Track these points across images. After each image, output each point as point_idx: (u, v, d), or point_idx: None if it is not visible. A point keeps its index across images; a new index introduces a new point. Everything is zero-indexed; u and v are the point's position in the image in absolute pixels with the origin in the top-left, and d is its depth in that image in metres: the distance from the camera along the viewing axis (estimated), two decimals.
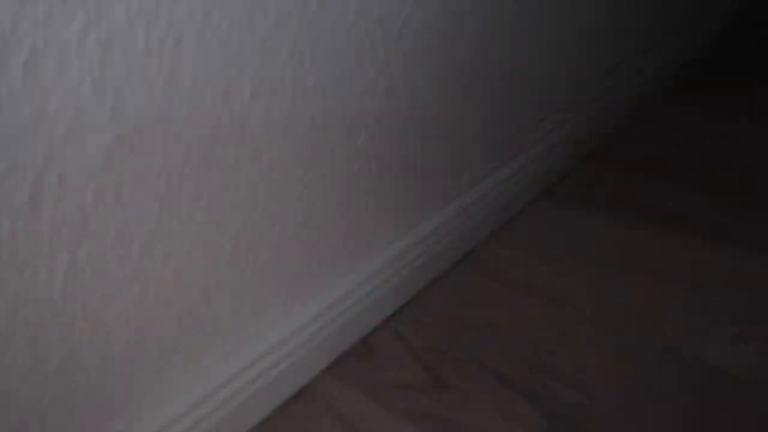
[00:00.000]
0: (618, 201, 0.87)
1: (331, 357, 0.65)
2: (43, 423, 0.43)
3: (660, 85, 1.21)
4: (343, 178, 0.58)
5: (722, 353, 0.61)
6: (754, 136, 1.03)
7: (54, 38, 0.34)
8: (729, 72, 1.31)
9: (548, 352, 0.63)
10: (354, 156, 0.58)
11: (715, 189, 0.87)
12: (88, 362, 0.44)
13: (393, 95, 0.60)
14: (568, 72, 0.90)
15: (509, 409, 0.58)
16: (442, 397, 0.60)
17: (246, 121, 0.47)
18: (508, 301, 0.70)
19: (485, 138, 0.76)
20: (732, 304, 0.66)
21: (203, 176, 0.46)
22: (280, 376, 0.59)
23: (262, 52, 0.46)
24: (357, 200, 0.61)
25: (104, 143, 0.39)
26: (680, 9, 1.21)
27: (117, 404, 0.47)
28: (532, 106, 0.84)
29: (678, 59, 1.26)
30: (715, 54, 1.44)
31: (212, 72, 0.43)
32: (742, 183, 0.88)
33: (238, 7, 0.43)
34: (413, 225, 0.70)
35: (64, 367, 0.42)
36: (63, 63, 0.35)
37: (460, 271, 0.76)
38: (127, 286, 0.44)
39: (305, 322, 0.60)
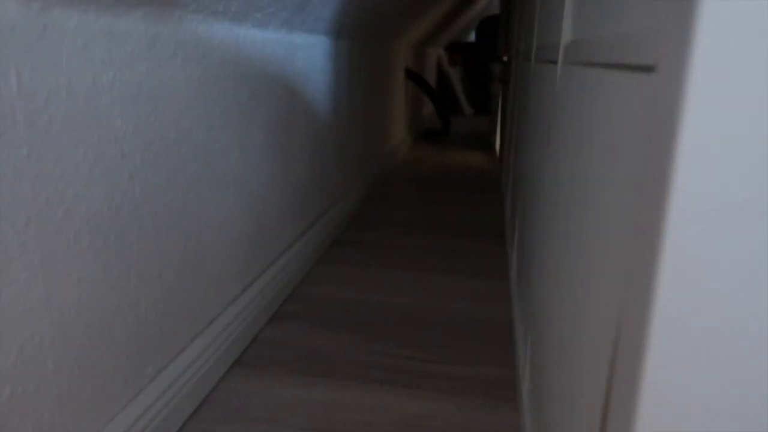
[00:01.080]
0: (306, 360, 0.90)
1: None
2: None
3: (317, 253, 1.35)
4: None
5: None
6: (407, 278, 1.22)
7: None
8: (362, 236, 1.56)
9: None
10: (3, 380, 0.47)
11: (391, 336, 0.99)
12: None
13: (53, 299, 0.51)
14: (243, 253, 0.93)
15: None
16: None
17: None
18: None
19: (165, 322, 0.71)
20: None
21: None
22: None
23: None
24: (10, 429, 0.48)
25: None
26: (327, 193, 1.41)
27: None
28: (214, 282, 0.84)
29: (331, 233, 1.44)
30: (357, 219, 1.69)
31: None
32: (405, 325, 1.02)
33: None
34: None
35: None
36: None
37: None
38: None
39: None
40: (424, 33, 2.86)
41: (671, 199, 0.20)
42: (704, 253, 0.20)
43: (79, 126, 0.53)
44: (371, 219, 1.70)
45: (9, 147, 0.45)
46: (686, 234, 0.20)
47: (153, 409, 0.67)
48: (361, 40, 1.69)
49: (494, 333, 1.01)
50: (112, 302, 0.60)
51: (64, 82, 0.51)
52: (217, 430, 0.73)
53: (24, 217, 0.47)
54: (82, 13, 0.52)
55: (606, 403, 0.31)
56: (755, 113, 0.19)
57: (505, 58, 2.42)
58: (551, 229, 0.60)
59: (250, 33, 0.89)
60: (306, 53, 1.18)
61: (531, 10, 1.22)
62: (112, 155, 0.58)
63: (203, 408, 0.77)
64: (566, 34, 0.64)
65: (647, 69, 0.27)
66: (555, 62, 0.70)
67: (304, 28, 1.13)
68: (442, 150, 2.99)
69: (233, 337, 0.87)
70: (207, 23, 0.75)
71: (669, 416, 0.22)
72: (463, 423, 0.76)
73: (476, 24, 4.64)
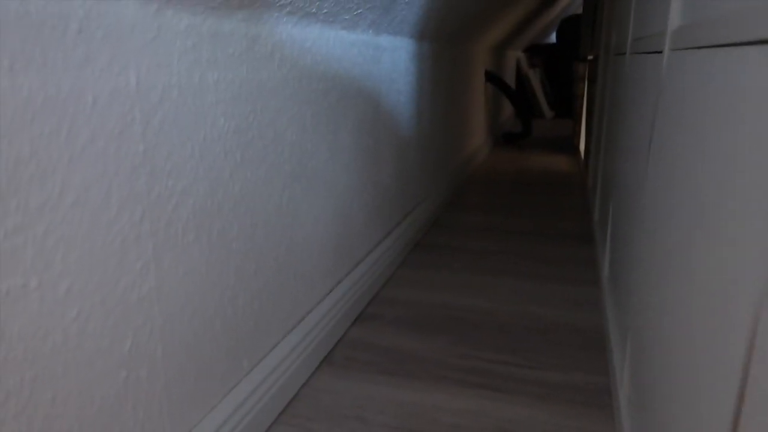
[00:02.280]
0: (393, 361, 0.89)
1: None
2: None
3: (400, 257, 1.35)
4: (105, 391, 0.48)
5: None
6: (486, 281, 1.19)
7: None
8: (445, 240, 1.54)
9: None
10: (120, 364, 0.49)
11: (473, 339, 0.96)
12: None
13: (163, 289, 0.53)
14: (332, 250, 0.94)
15: None
16: None
17: None
18: None
19: (259, 318, 0.73)
20: None
21: None
22: None
23: None
24: (125, 412, 0.50)
25: None
26: (410, 197, 1.40)
27: None
28: (304, 281, 0.85)
29: (411, 238, 1.43)
30: (435, 227, 1.67)
31: None
32: (488, 327, 1.00)
33: None
34: (190, 427, 0.61)
35: None
36: None
37: None
38: None
39: None
40: (503, 35, 2.81)
41: None
42: None
43: (187, 124, 0.55)
44: (452, 223, 1.68)
45: (128, 143, 0.48)
46: None
47: (248, 402, 0.68)
48: (442, 42, 1.68)
49: (584, 338, 0.97)
50: (213, 296, 0.62)
51: (175, 81, 0.53)
52: (309, 426, 0.73)
53: (140, 210, 0.50)
54: (192, 15, 0.54)
55: (737, 411, 0.28)
56: None
57: (590, 57, 2.33)
58: (660, 233, 0.56)
59: (339, 35, 0.91)
60: (391, 55, 1.18)
61: (624, 2, 1.16)
62: (215, 153, 0.60)
63: (294, 404, 0.78)
64: (674, 19, 0.60)
65: None
66: (658, 52, 0.66)
67: (390, 30, 1.14)
68: (522, 153, 2.92)
69: (321, 335, 0.88)
70: (301, 25, 0.76)
71: None
72: (556, 430, 0.73)
73: (557, 25, 4.52)
